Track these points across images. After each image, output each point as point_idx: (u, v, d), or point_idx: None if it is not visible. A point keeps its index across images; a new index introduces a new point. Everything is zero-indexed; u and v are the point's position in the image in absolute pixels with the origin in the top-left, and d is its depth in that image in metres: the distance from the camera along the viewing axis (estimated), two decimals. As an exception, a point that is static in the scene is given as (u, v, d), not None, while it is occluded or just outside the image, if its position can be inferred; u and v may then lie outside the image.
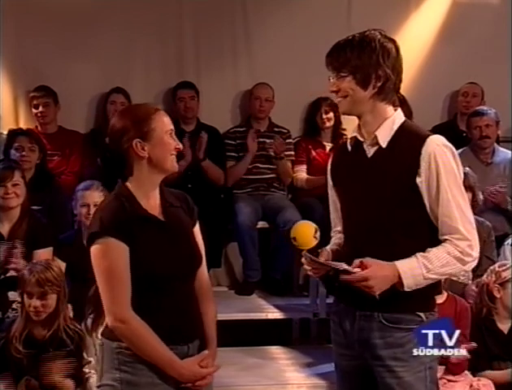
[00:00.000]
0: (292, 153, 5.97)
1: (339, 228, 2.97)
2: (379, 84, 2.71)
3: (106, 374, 2.76)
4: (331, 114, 5.99)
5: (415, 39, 6.23)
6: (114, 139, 2.74)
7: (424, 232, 2.71)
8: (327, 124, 6.01)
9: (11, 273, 4.42)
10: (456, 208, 2.68)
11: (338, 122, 6.03)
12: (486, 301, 4.28)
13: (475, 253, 2.70)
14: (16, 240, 4.51)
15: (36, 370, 3.86)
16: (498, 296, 4.25)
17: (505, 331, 4.27)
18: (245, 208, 5.57)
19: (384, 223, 2.70)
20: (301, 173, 5.97)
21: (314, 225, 2.84)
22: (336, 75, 2.73)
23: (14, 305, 4.24)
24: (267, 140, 5.88)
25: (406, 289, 2.63)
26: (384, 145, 2.74)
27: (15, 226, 4.58)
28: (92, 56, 5.87)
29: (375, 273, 2.61)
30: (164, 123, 2.76)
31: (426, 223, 2.71)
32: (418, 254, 2.65)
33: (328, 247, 2.93)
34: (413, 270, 2.63)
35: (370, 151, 2.77)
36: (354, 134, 2.83)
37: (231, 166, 5.85)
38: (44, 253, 4.50)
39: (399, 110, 2.82)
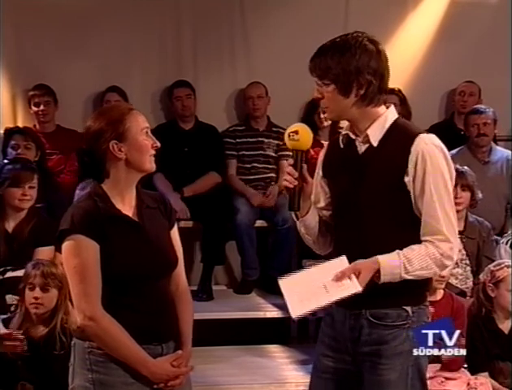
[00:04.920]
0: (291, 153, 5.97)
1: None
2: (361, 92, 2.70)
3: (77, 375, 2.74)
4: (328, 113, 6.00)
5: (413, 38, 6.25)
6: (91, 141, 2.73)
7: (410, 228, 2.70)
8: (325, 123, 6.01)
9: (9, 274, 4.42)
10: (440, 209, 2.66)
11: (336, 120, 6.05)
12: (482, 300, 4.30)
13: (455, 256, 2.71)
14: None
15: (31, 372, 3.85)
16: (493, 295, 4.27)
17: (506, 331, 4.28)
18: (243, 207, 5.59)
19: (372, 219, 2.71)
20: (300, 172, 5.98)
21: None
22: (320, 83, 2.74)
23: (12, 308, 4.22)
24: (265, 140, 5.91)
25: (379, 282, 2.65)
26: (375, 143, 2.74)
27: (22, 224, 4.59)
28: (90, 55, 5.87)
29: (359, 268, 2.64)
30: (138, 122, 2.75)
31: (412, 219, 2.70)
32: (401, 253, 2.66)
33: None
34: (393, 268, 2.64)
35: (362, 148, 2.78)
36: (346, 132, 2.83)
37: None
38: (46, 251, 4.50)
39: (392, 107, 2.81)
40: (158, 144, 2.78)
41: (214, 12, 6.06)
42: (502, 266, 4.31)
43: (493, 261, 4.65)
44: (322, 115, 5.97)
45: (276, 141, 5.94)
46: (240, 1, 6.13)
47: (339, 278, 2.64)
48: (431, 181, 2.65)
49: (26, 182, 4.58)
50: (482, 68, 6.14)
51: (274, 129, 5.98)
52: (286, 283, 2.72)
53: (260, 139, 5.91)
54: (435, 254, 2.66)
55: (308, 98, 6.05)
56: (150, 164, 2.76)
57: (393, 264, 2.64)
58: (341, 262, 2.67)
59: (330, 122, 6.00)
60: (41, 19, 5.82)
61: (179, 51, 6.09)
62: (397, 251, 2.66)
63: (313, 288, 2.67)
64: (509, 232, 5.18)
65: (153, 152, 2.76)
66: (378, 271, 2.64)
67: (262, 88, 5.96)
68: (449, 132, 5.42)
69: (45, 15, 5.82)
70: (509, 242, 5.00)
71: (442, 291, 4.20)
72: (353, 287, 2.61)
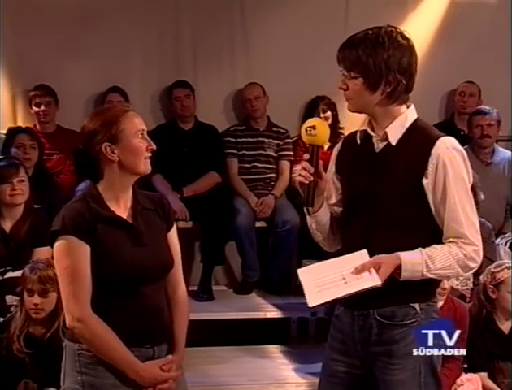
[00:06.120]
0: (291, 152, 5.97)
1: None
2: (388, 90, 2.67)
3: (68, 377, 2.72)
4: (328, 113, 6.00)
5: (413, 38, 6.22)
6: (86, 142, 2.71)
7: (426, 230, 2.69)
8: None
9: (9, 274, 4.42)
10: (462, 213, 2.65)
11: (336, 120, 6.05)
12: (483, 301, 4.29)
13: (479, 259, 2.69)
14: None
15: (36, 370, 3.85)
16: (493, 296, 4.26)
17: (506, 331, 4.28)
18: (243, 208, 5.58)
19: (386, 218, 2.69)
20: (300, 173, 5.97)
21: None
22: (347, 74, 2.69)
23: (12, 309, 4.21)
24: (266, 140, 5.90)
25: (400, 279, 2.63)
26: (393, 142, 2.71)
27: (19, 223, 4.59)
28: (90, 55, 5.86)
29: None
30: (133, 124, 2.71)
31: (428, 220, 2.69)
32: (424, 251, 2.64)
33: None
34: (414, 265, 2.63)
35: (379, 146, 2.75)
36: (365, 128, 2.79)
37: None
38: (44, 251, 4.49)
39: (412, 107, 2.76)
40: (154, 146, 2.74)
41: (214, 12, 6.06)
42: (503, 267, 4.30)
43: (494, 262, 4.65)
44: (322, 115, 5.97)
45: (276, 141, 5.94)
46: (240, 1, 6.12)
47: (359, 270, 2.62)
48: (453, 187, 2.64)
49: (12, 176, 4.58)
50: (482, 68, 6.14)
51: (274, 129, 5.98)
52: (304, 273, 2.70)
53: (260, 139, 5.91)
54: (458, 254, 2.65)
55: (308, 98, 6.06)
56: (145, 167, 2.73)
57: (415, 261, 2.63)
58: (362, 256, 2.66)
59: (330, 121, 6.01)
60: (40, 19, 5.82)
61: (178, 51, 6.08)
62: (420, 249, 2.65)
63: (331, 279, 2.65)
64: (509, 233, 5.18)
65: (148, 154, 2.73)
66: (399, 268, 2.62)
67: (260, 89, 5.94)
68: (449, 133, 5.38)
69: (45, 15, 5.81)
70: (509, 243, 5.00)
71: (444, 296, 4.17)
72: (371, 280, 2.60)
